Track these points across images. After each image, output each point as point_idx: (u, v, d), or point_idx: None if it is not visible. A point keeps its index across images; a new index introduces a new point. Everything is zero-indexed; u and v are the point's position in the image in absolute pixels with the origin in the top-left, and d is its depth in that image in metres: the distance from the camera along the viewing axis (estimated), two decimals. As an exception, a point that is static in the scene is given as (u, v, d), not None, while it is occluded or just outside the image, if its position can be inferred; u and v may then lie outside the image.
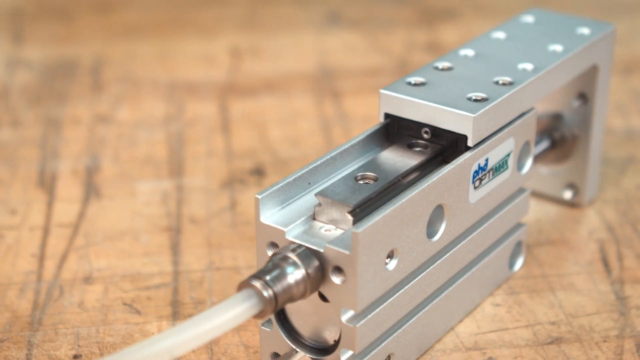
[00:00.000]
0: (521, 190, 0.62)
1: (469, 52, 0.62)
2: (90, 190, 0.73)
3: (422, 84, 0.58)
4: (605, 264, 0.64)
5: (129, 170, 0.75)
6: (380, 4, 1.05)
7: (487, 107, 0.55)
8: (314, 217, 0.52)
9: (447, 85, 0.58)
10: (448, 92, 0.57)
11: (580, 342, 0.57)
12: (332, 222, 0.52)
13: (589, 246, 0.66)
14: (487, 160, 0.57)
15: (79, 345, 0.58)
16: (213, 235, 0.67)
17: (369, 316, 0.51)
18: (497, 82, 0.58)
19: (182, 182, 0.74)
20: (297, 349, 0.53)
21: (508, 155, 0.58)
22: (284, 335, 0.53)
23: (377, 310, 0.52)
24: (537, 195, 0.71)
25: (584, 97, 0.67)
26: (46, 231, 0.68)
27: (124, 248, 0.66)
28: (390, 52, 0.94)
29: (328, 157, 0.55)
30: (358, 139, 0.57)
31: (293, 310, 0.53)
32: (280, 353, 0.54)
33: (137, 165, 0.76)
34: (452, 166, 0.54)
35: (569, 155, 0.69)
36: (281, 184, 0.52)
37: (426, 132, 0.56)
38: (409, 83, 0.58)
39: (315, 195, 0.52)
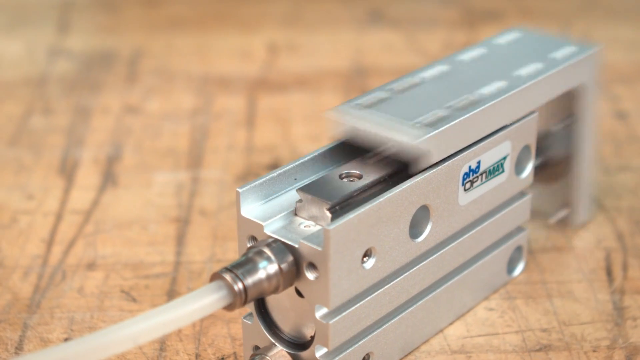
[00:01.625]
0: (521, 195, 0.61)
1: (434, 71, 0.59)
2: (108, 178, 0.74)
3: (377, 103, 0.55)
4: (609, 273, 0.63)
5: (149, 161, 0.76)
6: (424, 4, 1.05)
7: (441, 129, 0.52)
8: (295, 213, 0.53)
9: (402, 105, 0.55)
10: (402, 112, 0.54)
11: (569, 351, 0.57)
12: (312, 218, 0.52)
13: (594, 254, 0.65)
14: (479, 162, 0.56)
15: (71, 330, 0.59)
16: (220, 228, 0.68)
17: (344, 314, 0.51)
18: (459, 102, 0.55)
19: (199, 174, 0.74)
20: (276, 343, 0.53)
21: (504, 158, 0.58)
22: (263, 329, 0.54)
23: (354, 308, 0.52)
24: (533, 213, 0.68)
25: (571, 118, 0.65)
26: (59, 217, 0.69)
27: (131, 237, 0.67)
28: (427, 53, 0.94)
29: (316, 153, 0.55)
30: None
31: (274, 305, 0.54)
32: (261, 346, 0.54)
33: (158, 156, 0.77)
34: (438, 167, 0.53)
35: (561, 176, 0.67)
36: (263, 179, 0.53)
37: (377, 155, 0.54)
38: (362, 104, 0.55)
39: (297, 191, 0.53)
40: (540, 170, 0.65)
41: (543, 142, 0.65)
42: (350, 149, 0.56)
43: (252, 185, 0.52)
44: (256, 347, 0.55)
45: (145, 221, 0.69)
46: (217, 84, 0.88)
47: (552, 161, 0.66)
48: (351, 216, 0.49)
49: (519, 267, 0.63)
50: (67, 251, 0.66)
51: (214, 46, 0.96)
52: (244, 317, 0.55)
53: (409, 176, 0.54)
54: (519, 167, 0.60)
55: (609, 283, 0.62)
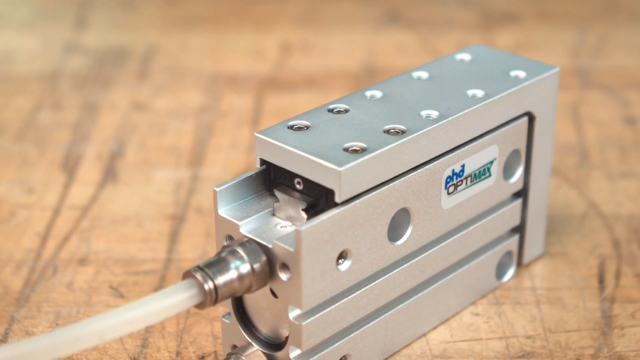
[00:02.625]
0: (511, 199, 0.61)
1: (376, 92, 0.56)
2: (109, 175, 0.75)
3: (305, 128, 0.53)
4: (601, 280, 0.63)
5: (151, 158, 0.77)
6: (443, 6, 1.04)
7: (360, 160, 0.50)
8: (273, 213, 0.53)
9: (329, 131, 0.52)
10: (326, 140, 0.51)
11: (551, 358, 0.56)
12: (289, 218, 0.52)
13: (588, 261, 0.64)
14: (463, 166, 0.56)
15: (57, 324, 0.59)
16: (214, 226, 0.68)
17: (319, 315, 0.51)
18: (387, 131, 0.52)
19: (199, 172, 0.75)
20: (252, 343, 0.53)
21: (491, 162, 0.57)
22: (240, 328, 0.54)
23: (329, 309, 0.51)
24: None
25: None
26: (56, 212, 0.70)
27: (125, 233, 0.68)
28: (440, 54, 0.93)
29: (299, 154, 0.55)
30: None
31: (251, 304, 0.54)
32: (239, 345, 0.54)
33: (160, 153, 0.77)
34: (418, 171, 0.53)
35: None
36: (241, 178, 0.53)
37: (299, 183, 0.52)
38: (291, 127, 0.53)
39: (274, 190, 0.52)
40: None
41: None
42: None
43: (230, 184, 0.52)
44: (235, 346, 0.55)
45: (141, 218, 0.69)
46: (227, 83, 0.88)
47: None
48: (324, 217, 0.49)
49: (509, 273, 0.63)
50: (61, 246, 0.66)
51: (228, 45, 0.96)
52: (223, 316, 0.55)
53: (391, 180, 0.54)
54: (507, 172, 0.59)
55: (600, 291, 0.62)
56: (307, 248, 0.49)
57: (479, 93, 0.56)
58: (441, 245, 0.57)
